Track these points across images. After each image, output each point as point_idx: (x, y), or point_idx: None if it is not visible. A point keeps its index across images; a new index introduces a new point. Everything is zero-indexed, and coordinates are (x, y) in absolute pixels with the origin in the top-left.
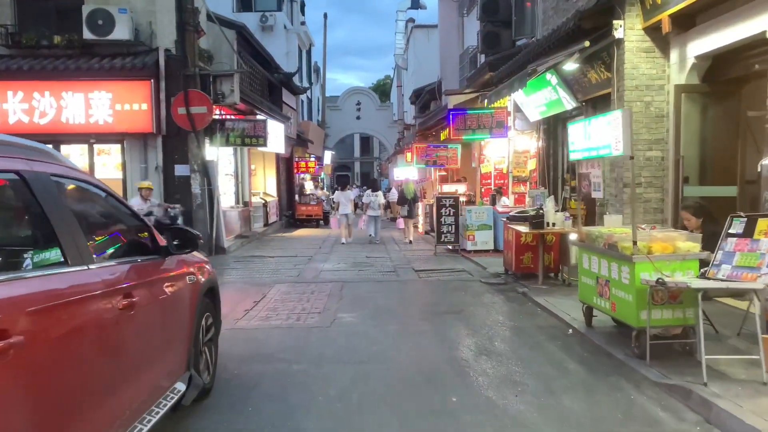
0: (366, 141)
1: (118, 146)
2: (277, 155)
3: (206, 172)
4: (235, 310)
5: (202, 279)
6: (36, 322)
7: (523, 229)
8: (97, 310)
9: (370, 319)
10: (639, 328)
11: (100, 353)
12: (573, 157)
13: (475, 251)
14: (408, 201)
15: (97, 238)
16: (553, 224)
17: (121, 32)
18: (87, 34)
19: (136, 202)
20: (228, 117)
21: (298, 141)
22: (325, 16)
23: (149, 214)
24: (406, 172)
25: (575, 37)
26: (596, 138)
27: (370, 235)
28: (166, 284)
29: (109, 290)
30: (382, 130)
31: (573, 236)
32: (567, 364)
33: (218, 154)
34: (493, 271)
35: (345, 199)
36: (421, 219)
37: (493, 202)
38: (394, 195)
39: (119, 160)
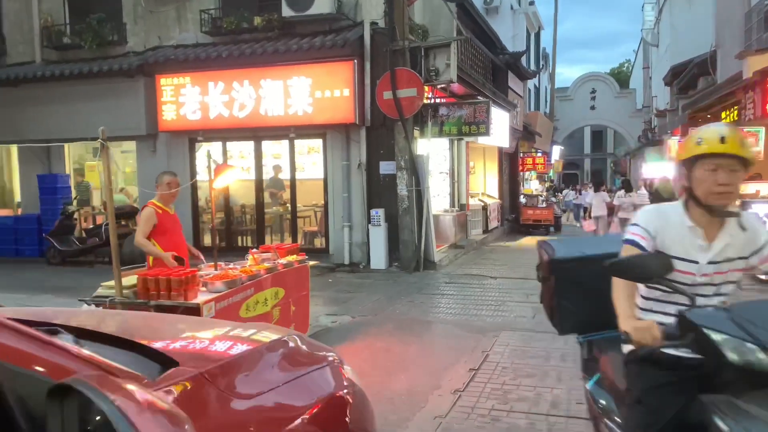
0: (598, 135)
1: (319, 141)
2: (500, 150)
3: (415, 169)
4: (438, 382)
5: None
6: None
7: None
8: None
9: None
10: None
11: None
12: None
13: None
14: (666, 200)
15: None
16: None
17: (321, 5)
18: (286, 11)
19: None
20: (441, 101)
21: (524, 134)
22: None
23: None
24: (659, 167)
25: None
26: None
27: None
28: None
29: None
30: (621, 120)
31: None
32: None
33: (429, 148)
34: None
35: (599, 200)
36: None
37: None
38: (642, 196)
39: (320, 158)
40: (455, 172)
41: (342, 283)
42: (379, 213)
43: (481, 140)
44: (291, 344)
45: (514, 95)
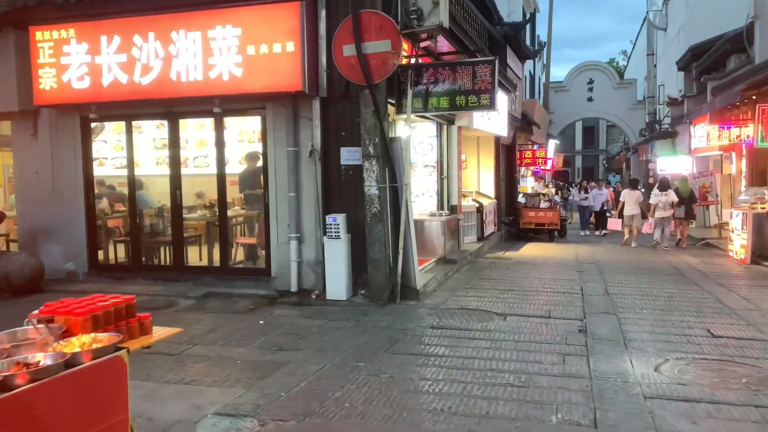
0: (590, 131)
1: (256, 119)
2: (497, 140)
3: (389, 158)
4: None
5: None
6: None
7: None
8: None
9: None
10: None
11: None
12: None
13: None
14: (684, 200)
15: None
16: None
17: None
18: None
19: None
20: (424, 63)
21: (523, 123)
22: None
23: None
24: (673, 162)
25: None
26: None
27: (656, 240)
28: None
29: None
30: (620, 113)
31: None
32: None
33: (410, 134)
34: None
35: (632, 199)
36: (738, 239)
37: None
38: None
39: (256, 145)
40: (444, 166)
41: (278, 329)
42: (338, 220)
43: (477, 124)
44: None
45: (513, 76)
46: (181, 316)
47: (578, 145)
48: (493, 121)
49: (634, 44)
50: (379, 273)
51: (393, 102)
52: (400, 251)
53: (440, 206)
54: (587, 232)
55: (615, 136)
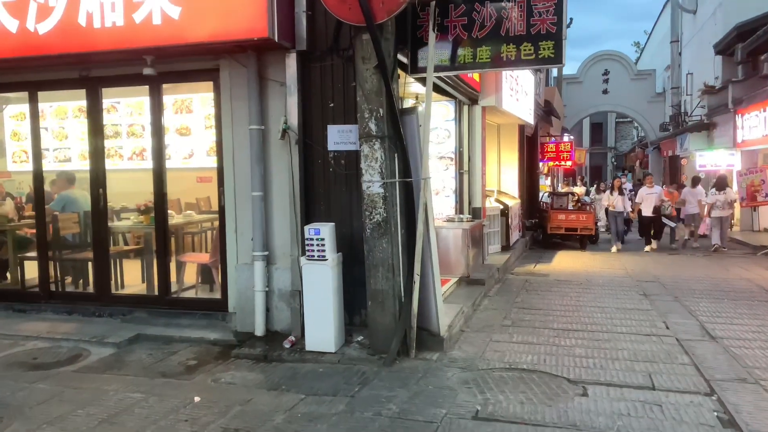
0: (597, 128)
1: (206, 93)
2: (521, 129)
3: (399, 140)
4: None
5: None
6: None
7: None
8: None
9: None
10: None
11: None
12: None
13: None
14: None
15: None
16: None
17: None
18: None
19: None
20: None
21: (544, 113)
22: None
23: None
24: (713, 158)
25: None
26: None
27: (716, 244)
28: None
29: None
30: (638, 106)
31: None
32: None
33: (430, 102)
34: None
35: (694, 197)
36: None
37: None
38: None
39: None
40: (465, 157)
41: (219, 416)
42: (323, 233)
43: (506, 105)
44: None
45: None
46: (81, 382)
47: (585, 142)
48: (521, 103)
49: (650, 34)
50: (384, 311)
51: (406, 54)
52: (417, 279)
53: (459, 209)
54: (619, 247)
55: (624, 132)
